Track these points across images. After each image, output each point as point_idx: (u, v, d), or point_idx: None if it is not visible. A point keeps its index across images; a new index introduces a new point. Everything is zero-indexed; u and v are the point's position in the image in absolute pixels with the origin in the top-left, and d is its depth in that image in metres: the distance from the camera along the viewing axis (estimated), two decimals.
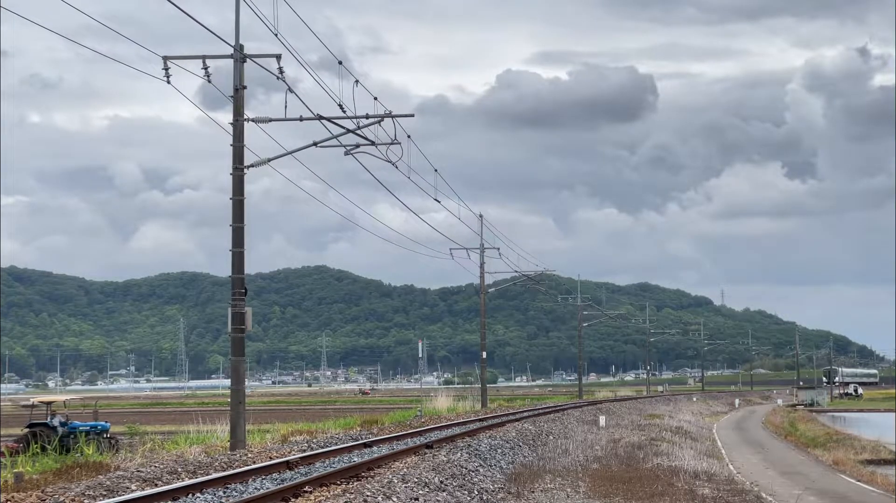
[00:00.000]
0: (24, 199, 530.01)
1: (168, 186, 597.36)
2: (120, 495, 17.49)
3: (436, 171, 41.11)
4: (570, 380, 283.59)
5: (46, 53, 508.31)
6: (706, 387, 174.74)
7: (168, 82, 28.28)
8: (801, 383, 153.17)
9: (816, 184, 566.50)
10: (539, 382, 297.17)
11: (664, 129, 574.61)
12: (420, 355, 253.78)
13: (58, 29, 23.89)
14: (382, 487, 17.87)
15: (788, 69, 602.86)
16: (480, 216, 65.92)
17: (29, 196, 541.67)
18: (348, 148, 31.59)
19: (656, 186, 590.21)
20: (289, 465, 22.38)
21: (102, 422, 47.00)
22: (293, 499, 17.84)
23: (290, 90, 28.98)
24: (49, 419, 44.98)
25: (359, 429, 39.92)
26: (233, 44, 28.59)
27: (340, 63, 29.76)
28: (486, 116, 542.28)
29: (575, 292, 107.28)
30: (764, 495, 25.28)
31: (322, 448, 27.00)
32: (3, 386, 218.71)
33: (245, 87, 29.30)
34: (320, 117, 30.37)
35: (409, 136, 33.06)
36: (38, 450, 35.60)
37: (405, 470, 20.95)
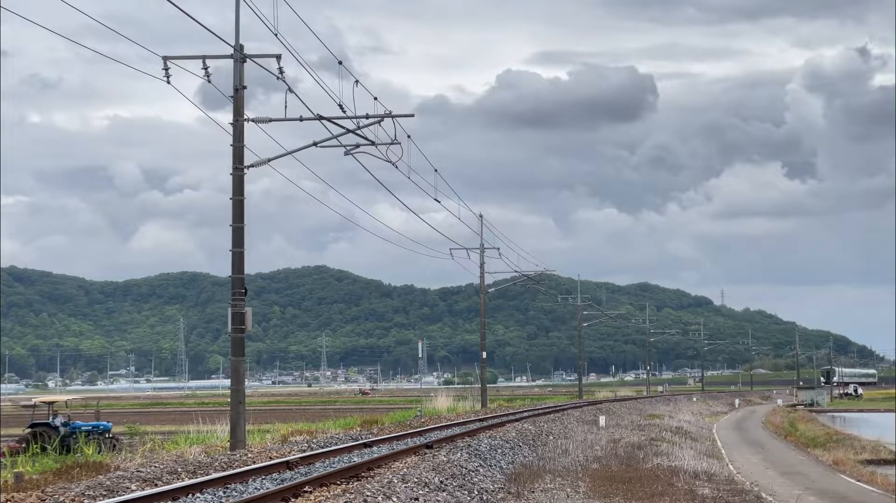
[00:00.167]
0: (23, 199, 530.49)
1: (168, 186, 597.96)
2: (120, 495, 17.49)
3: (436, 171, 41.15)
4: (570, 380, 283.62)
5: (46, 53, 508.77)
6: (706, 388, 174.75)
7: (168, 82, 28.29)
8: (801, 383, 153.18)
9: (816, 184, 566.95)
10: (539, 382, 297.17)
11: (664, 129, 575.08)
12: (420, 355, 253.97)
13: (58, 29, 23.91)
14: (382, 487, 17.87)
15: (788, 69, 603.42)
16: (480, 216, 65.96)
17: (29, 196, 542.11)
18: (348, 148, 31.59)
19: (656, 186, 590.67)
20: (289, 465, 22.38)
21: (104, 422, 47.03)
22: (293, 499, 17.84)
23: (290, 90, 29.00)
24: (51, 419, 45.00)
25: (359, 429, 39.92)
26: (233, 44, 28.59)
27: (340, 63, 29.77)
28: (486, 116, 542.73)
29: (575, 292, 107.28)
30: (764, 495, 25.28)
31: (322, 448, 27.00)
32: (3, 386, 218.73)
33: (245, 87, 29.30)
34: (320, 117, 30.37)
35: (409, 136, 33.09)
36: (38, 450, 35.63)
37: (405, 470, 20.95)
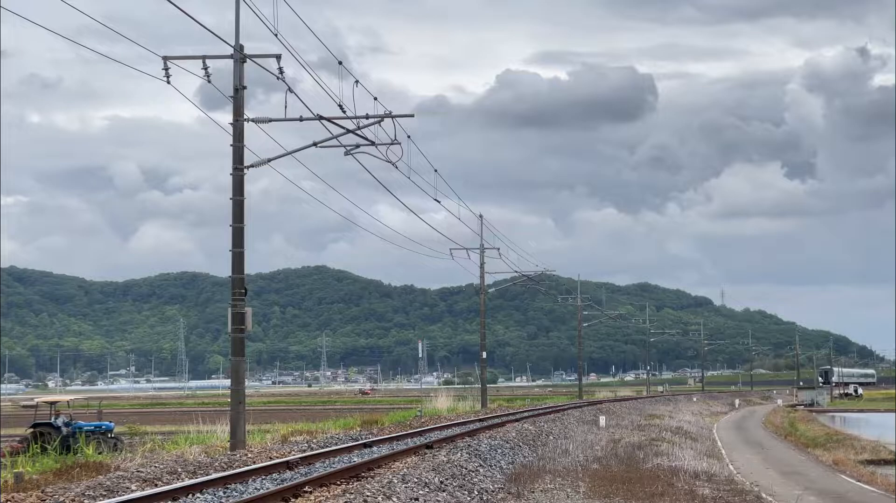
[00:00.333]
0: (23, 199, 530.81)
1: (168, 186, 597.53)
2: (120, 495, 17.49)
3: (435, 171, 41.14)
4: (570, 380, 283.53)
5: (46, 53, 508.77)
6: (706, 388, 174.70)
7: (168, 82, 28.28)
8: (801, 383, 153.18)
9: (816, 184, 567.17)
10: (539, 382, 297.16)
11: (664, 129, 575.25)
12: (420, 355, 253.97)
13: (57, 29, 23.90)
14: (382, 487, 17.87)
15: (788, 69, 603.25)
16: (480, 216, 65.92)
17: (29, 196, 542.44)
18: (348, 148, 31.59)
19: (656, 186, 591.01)
20: (289, 466, 22.38)
21: (106, 422, 47.04)
22: (293, 500, 17.85)
23: (290, 90, 28.99)
24: (53, 419, 45.02)
25: (359, 429, 39.92)
26: (233, 44, 28.58)
27: (340, 63, 29.77)
28: (486, 116, 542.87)
29: (575, 292, 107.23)
30: (764, 495, 25.27)
31: (322, 448, 27.00)
32: (3, 386, 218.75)
33: (245, 88, 29.30)
34: (320, 117, 30.37)
35: (408, 136, 33.11)
36: (38, 450, 35.63)
37: (405, 470, 20.94)
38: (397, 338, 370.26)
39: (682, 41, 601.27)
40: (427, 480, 19.47)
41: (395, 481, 18.69)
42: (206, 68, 28.38)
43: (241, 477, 20.30)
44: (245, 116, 29.50)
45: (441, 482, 19.91)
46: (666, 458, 30.62)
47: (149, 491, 17.81)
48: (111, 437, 44.29)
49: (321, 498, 18.04)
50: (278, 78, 28.58)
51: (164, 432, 48.05)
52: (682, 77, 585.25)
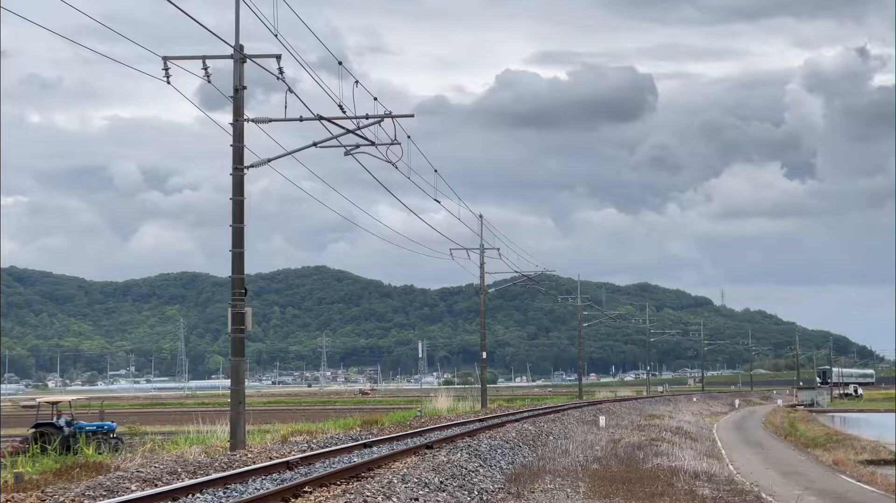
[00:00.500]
0: (23, 199, 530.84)
1: (167, 186, 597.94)
2: (120, 495, 17.49)
3: (435, 171, 41.13)
4: (569, 380, 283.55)
5: (46, 53, 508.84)
6: (706, 388, 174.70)
7: (168, 82, 28.28)
8: (801, 383, 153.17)
9: (816, 184, 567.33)
10: (539, 382, 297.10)
11: (663, 129, 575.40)
12: (420, 355, 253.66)
13: (57, 29, 23.87)
14: (382, 488, 17.87)
15: (788, 69, 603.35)
16: (480, 216, 65.90)
17: (28, 196, 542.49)
18: (348, 148, 31.59)
19: (656, 186, 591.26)
20: (289, 466, 22.38)
21: (108, 423, 47.04)
22: (293, 500, 17.85)
23: (290, 90, 28.99)
24: (55, 419, 45.02)
25: (359, 429, 39.92)
26: (233, 44, 28.58)
27: (340, 63, 29.76)
28: (486, 116, 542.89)
29: (575, 292, 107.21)
30: (764, 495, 25.27)
31: (322, 448, 27.00)
32: (3, 386, 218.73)
33: (245, 88, 29.30)
34: (320, 117, 30.36)
35: (408, 137, 33.10)
36: (38, 451, 35.62)
37: (405, 470, 20.94)
38: (397, 338, 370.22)
39: (682, 41, 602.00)
40: (427, 480, 19.47)
41: (395, 481, 18.69)
42: (206, 68, 28.38)
43: (241, 477, 20.30)
44: (245, 116, 29.49)
45: (441, 482, 19.91)
46: (666, 458, 30.62)
47: (149, 491, 17.81)
48: (113, 438, 44.29)
49: (321, 498, 18.04)
50: (278, 78, 28.58)
51: (164, 432, 48.05)
52: (681, 77, 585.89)
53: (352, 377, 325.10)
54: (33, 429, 43.95)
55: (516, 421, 43.11)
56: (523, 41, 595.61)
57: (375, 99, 31.07)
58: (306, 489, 18.60)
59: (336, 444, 28.54)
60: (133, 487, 18.66)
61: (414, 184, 37.39)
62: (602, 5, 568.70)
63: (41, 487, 18.66)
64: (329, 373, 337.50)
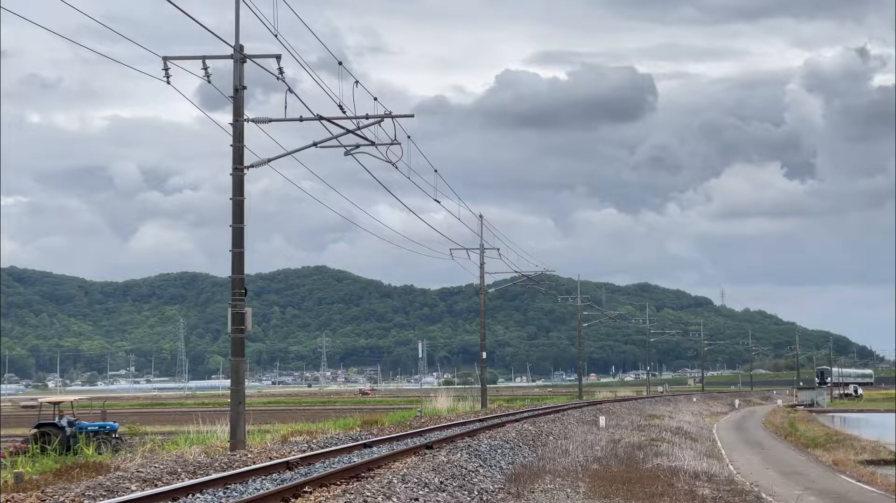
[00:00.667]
0: (23, 199, 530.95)
1: (167, 187, 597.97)
2: (120, 495, 17.48)
3: (435, 171, 41.13)
4: (569, 380, 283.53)
5: (46, 53, 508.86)
6: (706, 388, 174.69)
7: (168, 83, 28.28)
8: (801, 384, 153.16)
9: (816, 184, 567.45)
10: (539, 383, 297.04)
11: (663, 129, 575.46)
12: (420, 356, 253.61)
13: (57, 29, 23.89)
14: (382, 488, 17.87)
15: (787, 69, 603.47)
16: (480, 216, 65.90)
17: (28, 196, 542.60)
18: (348, 148, 31.59)
19: (655, 186, 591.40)
20: (289, 466, 22.37)
21: (111, 423, 47.04)
22: (293, 500, 17.85)
23: (290, 90, 28.99)
24: (57, 419, 45.04)
25: (359, 429, 39.92)
26: (233, 44, 28.58)
27: (340, 63, 29.76)
28: (486, 116, 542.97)
29: (575, 292, 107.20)
30: (764, 495, 25.27)
31: (322, 448, 27.00)
32: (3, 386, 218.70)
33: (245, 88, 29.30)
34: (320, 118, 30.36)
35: (408, 137, 33.10)
36: (38, 451, 35.63)
37: (405, 470, 20.94)
38: (397, 338, 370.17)
39: (682, 41, 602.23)
40: (427, 480, 19.47)
41: (395, 481, 18.69)
42: (205, 68, 28.38)
43: (241, 477, 20.30)
44: (245, 116, 29.50)
45: (441, 482, 19.91)
46: (666, 459, 30.61)
47: (149, 491, 17.81)
48: (115, 438, 44.30)
49: (321, 498, 18.04)
50: (278, 78, 28.59)
51: (164, 432, 48.04)
52: (681, 77, 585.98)
53: (352, 377, 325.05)
54: (35, 430, 43.97)
55: (516, 421, 43.11)
56: (523, 41, 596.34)
57: (375, 99, 31.09)
58: (306, 489, 18.60)
59: (336, 444, 28.54)
60: (133, 487, 18.66)
61: (414, 184, 37.42)
62: (602, 5, 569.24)
63: (41, 487, 18.66)
64: (329, 374, 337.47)
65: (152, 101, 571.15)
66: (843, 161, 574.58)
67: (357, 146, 31.56)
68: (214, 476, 20.13)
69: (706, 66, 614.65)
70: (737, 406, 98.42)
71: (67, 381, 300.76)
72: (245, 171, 29.48)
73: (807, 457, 43.79)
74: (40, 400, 50.97)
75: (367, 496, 17.00)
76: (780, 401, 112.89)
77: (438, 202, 43.27)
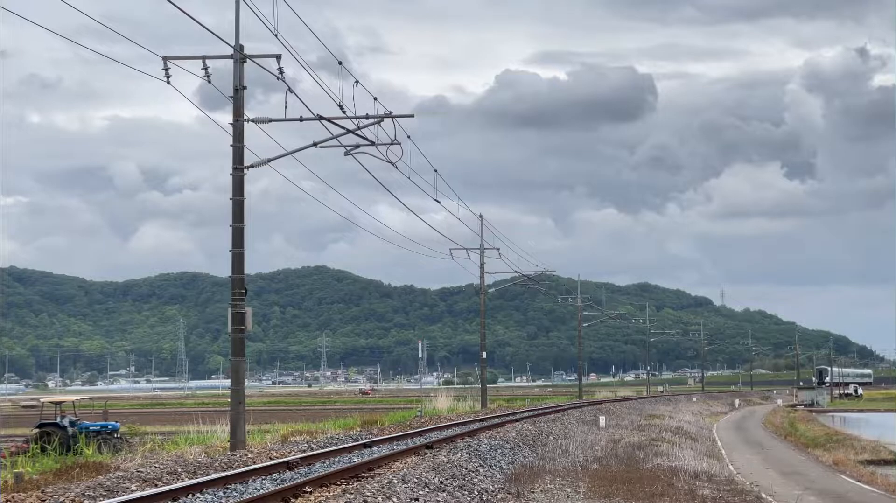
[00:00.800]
0: (23, 199, 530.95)
1: (167, 187, 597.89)
2: (120, 495, 17.48)
3: (435, 171, 41.13)
4: (570, 380, 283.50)
5: (46, 53, 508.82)
6: (706, 388, 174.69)
7: (168, 83, 28.28)
8: (801, 383, 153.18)
9: (816, 184, 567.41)
10: (539, 383, 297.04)
11: (663, 129, 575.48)
12: (420, 355, 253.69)
13: (57, 29, 23.88)
14: (382, 488, 17.87)
15: (787, 69, 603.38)
16: (480, 216, 65.90)
17: (28, 196, 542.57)
18: (348, 148, 31.59)
19: (655, 186, 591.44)
20: (289, 466, 22.37)
21: (112, 423, 47.05)
22: (293, 500, 17.84)
23: (290, 90, 28.99)
24: (59, 419, 45.05)
25: (359, 429, 39.92)
26: (233, 44, 28.58)
27: (340, 63, 29.76)
28: (486, 117, 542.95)
29: (575, 292, 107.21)
30: (764, 495, 25.27)
31: (322, 448, 27.00)
32: (3, 386, 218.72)
33: (245, 88, 29.30)
34: (320, 117, 30.36)
35: (408, 137, 33.10)
36: (38, 451, 35.64)
37: (405, 470, 20.94)
38: (397, 338, 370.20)
39: (682, 41, 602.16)
40: (427, 480, 19.47)
41: (395, 481, 18.69)
42: (206, 68, 28.38)
43: (241, 477, 20.30)
44: (245, 116, 29.50)
45: (441, 482, 19.90)
46: (666, 459, 30.61)
47: (149, 491, 17.81)
48: (117, 437, 44.31)
49: (321, 498, 18.04)
50: (278, 78, 28.59)
51: (164, 432, 48.06)
52: (681, 77, 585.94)
53: (352, 377, 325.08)
54: (37, 430, 43.97)
55: (516, 421, 43.11)
56: (523, 41, 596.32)
57: (375, 99, 31.09)
58: (306, 489, 18.60)
59: (336, 444, 28.54)
60: (133, 487, 18.66)
61: (414, 184, 37.43)
62: (602, 5, 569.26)
63: (41, 487, 18.66)
64: (329, 373, 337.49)
65: (152, 101, 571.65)
66: (843, 161, 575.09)
67: (357, 146, 31.56)
68: (214, 476, 20.13)
69: (706, 66, 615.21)
70: (737, 406, 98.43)
71: (67, 381, 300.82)
72: (245, 171, 29.48)
73: (807, 457, 43.79)
74: (42, 400, 50.97)
75: (367, 496, 17.00)
76: (780, 401, 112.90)
77: (438, 202, 43.32)
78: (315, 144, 31.37)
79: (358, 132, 31.20)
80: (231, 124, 29.37)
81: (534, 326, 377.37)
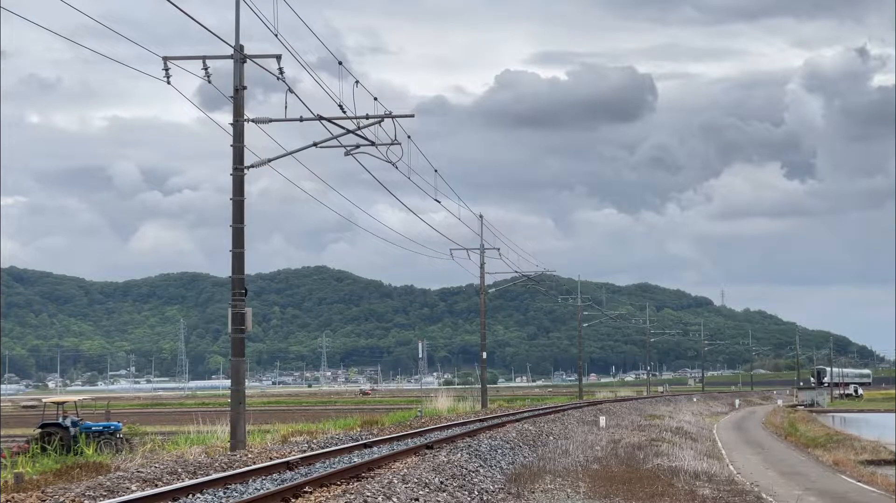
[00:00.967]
0: (23, 200, 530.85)
1: (167, 187, 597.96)
2: (120, 495, 17.48)
3: (436, 171, 41.13)
4: (570, 380, 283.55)
5: (46, 53, 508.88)
6: (706, 388, 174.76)
7: (168, 83, 28.28)
8: (802, 384, 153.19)
9: (816, 184, 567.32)
10: (539, 383, 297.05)
11: (663, 129, 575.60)
12: (420, 356, 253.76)
13: (57, 29, 23.90)
14: (383, 488, 17.87)
15: (787, 69, 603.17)
16: (480, 216, 65.93)
17: (28, 196, 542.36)
18: (348, 148, 31.58)
19: (655, 186, 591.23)
20: (289, 466, 22.37)
21: (115, 423, 47.06)
22: (293, 500, 17.84)
23: (290, 90, 28.99)
24: (61, 419, 45.06)
25: (359, 429, 39.92)
26: (233, 44, 28.58)
27: (340, 63, 29.76)
28: (486, 117, 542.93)
29: (575, 292, 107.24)
30: (764, 495, 25.27)
31: (322, 448, 27.00)
32: (3, 386, 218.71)
33: (245, 88, 29.30)
34: (320, 118, 30.36)
35: (408, 137, 33.09)
36: (38, 451, 35.65)
37: (405, 470, 20.94)
38: (397, 338, 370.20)
39: (681, 41, 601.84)
40: (427, 480, 19.47)
41: (396, 481, 18.69)
42: (206, 68, 28.39)
43: (242, 477, 20.30)
44: (245, 116, 29.50)
45: (441, 482, 19.90)
46: (666, 459, 30.61)
47: (149, 491, 17.81)
48: (119, 438, 44.31)
49: (321, 498, 18.04)
50: (278, 78, 28.59)
51: (165, 432, 48.07)
52: (681, 77, 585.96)
53: (352, 377, 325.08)
54: (39, 430, 43.98)
55: (516, 421, 43.11)
56: (523, 41, 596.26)
57: (375, 99, 31.09)
58: (306, 489, 18.59)
59: (336, 445, 28.54)
60: (133, 487, 18.65)
61: (414, 184, 37.41)
62: (602, 5, 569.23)
63: (41, 487, 18.66)
64: (329, 374, 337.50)
65: (152, 101, 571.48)
66: (843, 161, 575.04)
67: (357, 146, 31.56)
68: (215, 476, 20.13)
69: (706, 66, 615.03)
70: (737, 406, 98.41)
71: (67, 382, 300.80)
72: (245, 171, 29.48)
73: (807, 457, 43.78)
74: (44, 400, 50.98)
75: (368, 496, 17.00)
76: (780, 401, 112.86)
77: (438, 202, 43.31)
78: (315, 144, 31.38)
79: (358, 132, 31.21)
80: (231, 124, 29.38)
81: (534, 326, 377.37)
